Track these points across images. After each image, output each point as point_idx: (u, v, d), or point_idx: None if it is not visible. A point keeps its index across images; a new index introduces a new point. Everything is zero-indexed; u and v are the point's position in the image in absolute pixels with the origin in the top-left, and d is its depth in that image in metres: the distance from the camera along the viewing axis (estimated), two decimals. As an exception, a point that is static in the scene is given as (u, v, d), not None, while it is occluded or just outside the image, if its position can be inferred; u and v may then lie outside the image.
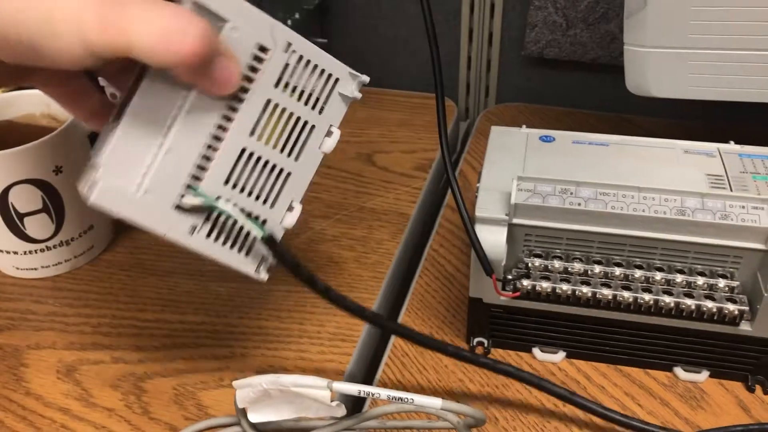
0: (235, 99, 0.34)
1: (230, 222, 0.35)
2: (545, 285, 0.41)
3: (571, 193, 0.41)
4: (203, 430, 0.40)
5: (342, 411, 0.36)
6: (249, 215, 0.36)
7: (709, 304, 0.40)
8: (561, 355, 0.45)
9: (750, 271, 0.40)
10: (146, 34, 0.26)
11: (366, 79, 0.40)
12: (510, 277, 0.42)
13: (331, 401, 0.36)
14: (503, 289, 0.42)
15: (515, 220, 0.41)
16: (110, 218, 0.49)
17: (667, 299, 0.40)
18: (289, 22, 0.68)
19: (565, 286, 0.41)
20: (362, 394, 0.35)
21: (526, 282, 0.42)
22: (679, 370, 0.43)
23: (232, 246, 0.36)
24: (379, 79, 0.77)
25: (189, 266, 0.51)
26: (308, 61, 0.36)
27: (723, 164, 0.44)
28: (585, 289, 0.41)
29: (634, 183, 0.40)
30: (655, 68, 0.46)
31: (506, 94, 0.74)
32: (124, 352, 0.45)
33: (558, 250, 0.42)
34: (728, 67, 0.45)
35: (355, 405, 0.43)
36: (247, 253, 0.36)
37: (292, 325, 0.47)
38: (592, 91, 0.71)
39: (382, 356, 0.46)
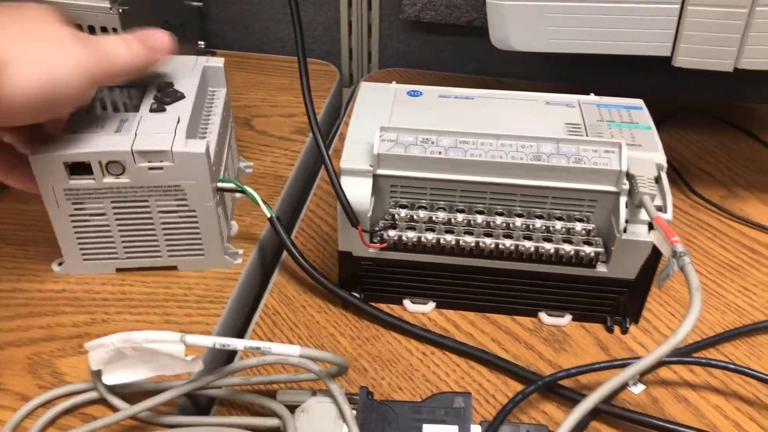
0: None
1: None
2: (411, 235, 0.42)
3: (433, 143, 0.41)
4: (58, 397, 0.39)
5: (199, 366, 0.35)
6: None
7: (567, 247, 0.41)
8: (431, 305, 0.45)
9: (604, 214, 0.41)
10: (122, 57, 0.40)
11: None
12: (377, 228, 0.42)
13: (187, 356, 0.35)
14: (371, 241, 0.42)
15: (379, 171, 0.41)
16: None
17: (527, 244, 0.41)
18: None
19: (429, 235, 0.41)
20: (216, 346, 0.34)
21: (392, 233, 0.42)
22: (543, 315, 0.45)
23: None
24: (259, 44, 0.75)
25: (48, 236, 0.49)
26: None
27: (582, 114, 0.45)
28: (449, 237, 0.41)
29: (494, 131, 0.41)
30: (515, 22, 0.47)
31: (388, 60, 0.73)
32: (-26, 324, 0.43)
33: (423, 201, 0.42)
34: (586, 20, 0.46)
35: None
36: None
37: (158, 289, 0.45)
38: (469, 56, 0.72)
39: (253, 317, 0.45)
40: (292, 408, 0.37)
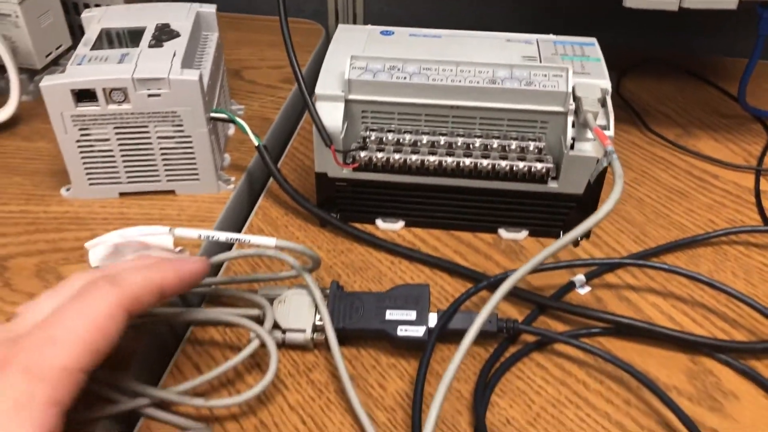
0: None
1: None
2: (380, 155, 0.46)
3: (399, 69, 0.45)
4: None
5: (185, 256, 0.39)
6: None
7: (521, 164, 0.45)
8: (400, 224, 0.50)
9: (555, 134, 0.45)
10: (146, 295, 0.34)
11: None
12: (349, 150, 0.46)
13: (175, 248, 0.39)
14: (344, 161, 0.46)
15: (351, 96, 0.45)
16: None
17: (485, 162, 0.45)
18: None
19: (397, 155, 0.46)
20: (201, 238, 0.38)
21: (363, 153, 0.46)
22: (502, 231, 0.49)
23: None
24: (249, 4, 0.80)
25: (51, 168, 0.53)
26: None
27: (538, 49, 0.49)
28: (414, 157, 0.46)
29: (455, 60, 0.45)
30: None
31: (372, 19, 0.78)
32: (-12, 239, 0.47)
33: (392, 125, 0.46)
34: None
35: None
36: None
37: (152, 210, 0.50)
38: (449, 13, 0.76)
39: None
40: (271, 300, 0.41)
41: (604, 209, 0.36)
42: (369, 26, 0.52)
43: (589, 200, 0.46)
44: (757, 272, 0.46)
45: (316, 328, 0.40)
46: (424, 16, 0.77)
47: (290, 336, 0.40)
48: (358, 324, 0.40)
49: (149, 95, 0.46)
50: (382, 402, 0.38)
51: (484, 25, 0.75)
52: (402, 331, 0.39)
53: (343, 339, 0.40)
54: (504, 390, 0.39)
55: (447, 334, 0.40)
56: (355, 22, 0.78)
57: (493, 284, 0.43)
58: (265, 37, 0.73)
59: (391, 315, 0.40)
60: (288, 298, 0.41)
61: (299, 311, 0.40)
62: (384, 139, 0.46)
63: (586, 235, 0.49)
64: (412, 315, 0.40)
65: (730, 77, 0.67)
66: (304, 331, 0.40)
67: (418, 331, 0.39)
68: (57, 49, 0.63)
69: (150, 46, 0.49)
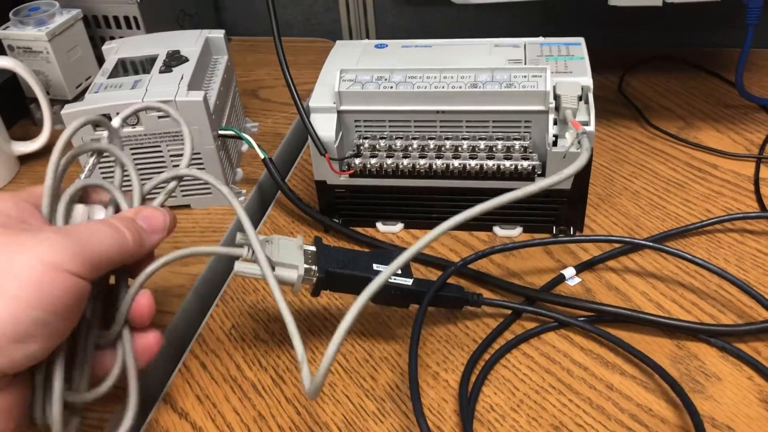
0: None
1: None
2: (374, 161, 0.48)
3: (386, 79, 0.48)
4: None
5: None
6: None
7: (507, 163, 0.47)
8: (399, 226, 0.52)
9: (539, 132, 0.47)
10: (105, 245, 0.34)
11: None
12: (344, 157, 0.49)
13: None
14: (339, 168, 0.49)
15: (342, 107, 0.48)
16: None
17: (473, 163, 0.47)
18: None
19: (389, 161, 0.48)
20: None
21: (357, 160, 0.49)
22: (497, 229, 0.51)
23: None
24: (269, 29, 0.83)
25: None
26: None
27: (525, 52, 0.51)
28: (406, 161, 0.48)
29: (439, 67, 0.48)
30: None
31: (385, 34, 0.81)
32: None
33: (384, 132, 0.49)
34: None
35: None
36: None
37: (170, 223, 0.54)
38: (458, 23, 0.78)
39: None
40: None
41: (556, 176, 0.37)
42: (365, 41, 0.55)
43: (577, 194, 0.48)
44: (751, 258, 0.46)
45: (307, 272, 0.39)
46: (434, 26, 0.79)
47: (281, 272, 0.38)
48: (347, 269, 0.40)
49: (159, 117, 0.50)
50: (373, 393, 0.40)
51: (492, 33, 0.77)
52: (392, 280, 0.40)
53: (331, 285, 0.40)
54: (489, 378, 0.40)
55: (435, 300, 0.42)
56: (368, 38, 0.81)
57: (460, 268, 0.46)
58: (281, 57, 0.77)
59: (378, 267, 0.41)
60: (275, 240, 0.39)
61: (288, 251, 0.39)
62: (377, 146, 0.49)
63: (579, 227, 0.50)
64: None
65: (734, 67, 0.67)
66: (296, 267, 0.38)
67: (407, 282, 0.41)
68: (87, 80, 0.68)
69: (160, 72, 0.53)
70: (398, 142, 0.48)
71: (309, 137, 0.48)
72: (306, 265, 0.39)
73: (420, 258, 0.49)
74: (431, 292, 0.42)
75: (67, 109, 0.50)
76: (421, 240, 0.35)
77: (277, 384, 0.41)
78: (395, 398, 0.40)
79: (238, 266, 0.38)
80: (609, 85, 0.67)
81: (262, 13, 0.83)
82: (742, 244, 0.48)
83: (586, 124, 0.45)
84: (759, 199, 0.51)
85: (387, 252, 0.44)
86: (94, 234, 0.33)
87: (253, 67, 0.75)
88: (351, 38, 0.82)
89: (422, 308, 0.42)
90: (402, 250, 0.35)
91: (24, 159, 0.63)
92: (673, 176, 0.54)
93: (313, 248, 0.41)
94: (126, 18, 0.68)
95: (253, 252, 0.37)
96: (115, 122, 0.41)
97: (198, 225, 0.54)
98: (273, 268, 0.37)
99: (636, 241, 0.47)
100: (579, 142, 0.41)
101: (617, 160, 0.57)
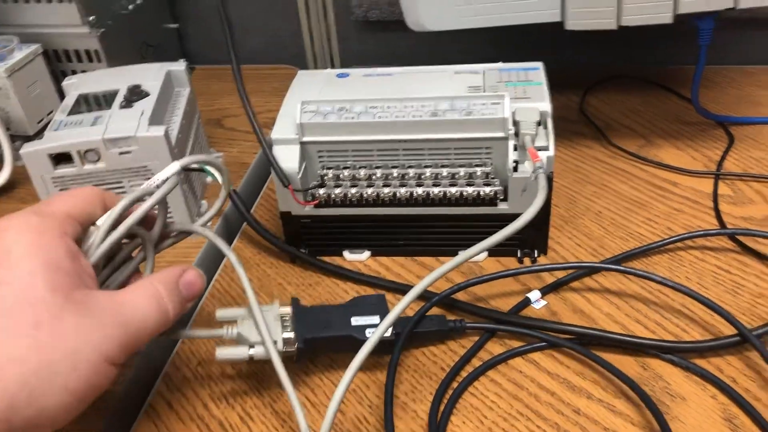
0: None
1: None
2: (338, 191, 0.49)
3: (347, 110, 0.48)
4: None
5: None
6: None
7: (469, 189, 0.47)
8: (366, 254, 0.52)
9: (500, 158, 0.47)
10: (150, 324, 0.34)
11: None
12: (308, 188, 0.49)
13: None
14: (303, 199, 0.49)
15: (305, 138, 0.48)
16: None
17: (436, 190, 0.48)
18: (130, 6, 0.72)
19: (353, 190, 0.48)
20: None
21: (321, 191, 0.49)
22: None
23: None
24: (225, 56, 0.83)
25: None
26: None
27: (484, 78, 0.52)
28: (370, 190, 0.48)
29: (399, 97, 0.48)
30: (425, 4, 0.54)
31: (349, 60, 0.81)
32: None
33: (347, 162, 0.49)
34: (482, -4, 0.53)
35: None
36: None
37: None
38: (420, 47, 0.79)
39: (214, 275, 0.52)
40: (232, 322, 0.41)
41: (521, 220, 0.38)
42: (327, 70, 0.55)
43: (539, 218, 0.48)
44: (711, 275, 0.47)
45: (286, 341, 0.40)
46: (401, 51, 0.80)
47: (258, 350, 0.39)
48: (325, 332, 0.41)
49: (120, 153, 0.50)
50: (341, 426, 0.40)
51: (460, 59, 0.78)
52: (370, 334, 0.40)
53: (312, 351, 0.42)
54: (458, 407, 0.40)
55: (412, 338, 0.43)
56: (332, 65, 0.81)
57: (442, 299, 0.46)
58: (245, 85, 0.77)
59: (356, 321, 0.42)
60: (253, 310, 0.40)
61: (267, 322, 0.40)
62: (341, 175, 0.49)
63: (543, 250, 0.51)
64: (376, 319, 0.42)
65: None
66: (275, 342, 0.39)
67: (386, 332, 0.40)
68: (48, 115, 0.67)
69: (121, 107, 0.52)
70: (362, 172, 0.48)
71: (271, 168, 0.48)
72: (286, 334, 0.40)
73: (390, 286, 0.49)
74: (406, 332, 0.43)
75: (26, 148, 0.49)
76: (405, 298, 0.40)
77: (245, 422, 0.41)
78: None
79: (220, 353, 0.40)
80: (571, 105, 0.68)
81: (221, 39, 0.82)
82: (703, 262, 0.48)
83: (545, 149, 0.45)
84: (718, 216, 0.52)
85: (361, 300, 0.44)
86: (143, 320, 0.33)
87: (218, 96, 0.75)
88: (316, 65, 0.82)
89: (398, 347, 0.42)
90: (380, 300, 0.41)
91: (-15, 196, 0.62)
92: (634, 195, 0.55)
93: (289, 311, 0.42)
94: (87, 51, 0.67)
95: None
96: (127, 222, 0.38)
97: (163, 259, 0.53)
98: (251, 347, 0.39)
99: (597, 265, 0.47)
100: (536, 178, 0.41)
101: (579, 180, 0.58)
